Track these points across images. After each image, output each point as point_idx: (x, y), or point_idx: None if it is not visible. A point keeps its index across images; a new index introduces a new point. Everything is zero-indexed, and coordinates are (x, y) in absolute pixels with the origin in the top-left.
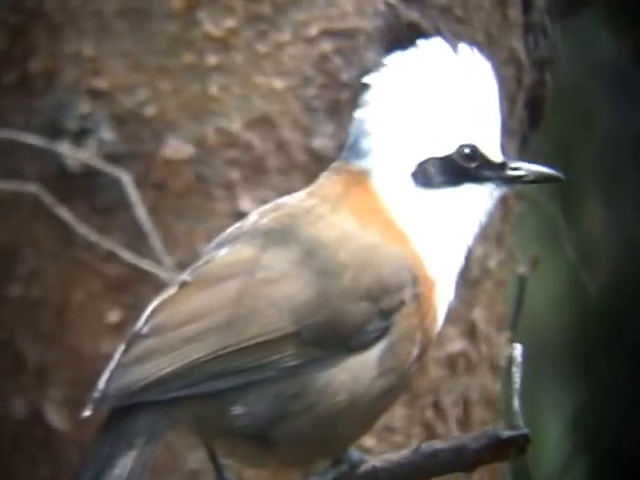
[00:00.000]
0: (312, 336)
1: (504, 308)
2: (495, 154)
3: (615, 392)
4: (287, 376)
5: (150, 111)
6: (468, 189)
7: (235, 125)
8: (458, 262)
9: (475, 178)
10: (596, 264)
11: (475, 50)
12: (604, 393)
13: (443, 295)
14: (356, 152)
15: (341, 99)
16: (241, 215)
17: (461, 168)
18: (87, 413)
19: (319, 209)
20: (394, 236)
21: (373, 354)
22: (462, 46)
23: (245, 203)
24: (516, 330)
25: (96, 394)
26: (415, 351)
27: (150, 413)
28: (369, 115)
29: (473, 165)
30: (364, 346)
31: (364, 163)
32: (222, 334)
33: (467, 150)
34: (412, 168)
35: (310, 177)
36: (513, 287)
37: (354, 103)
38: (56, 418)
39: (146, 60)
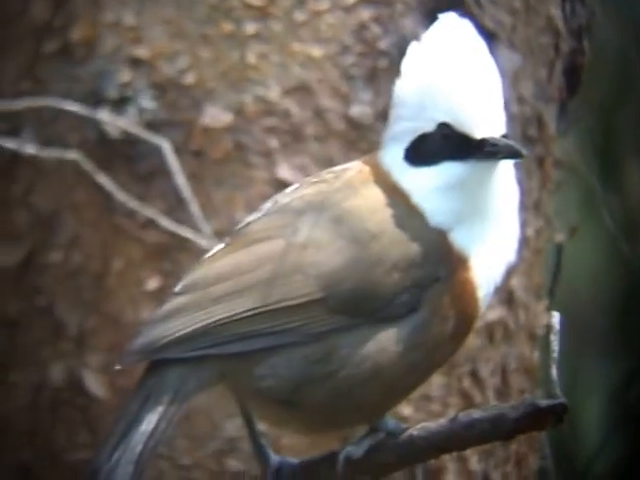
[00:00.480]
0: (339, 304)
1: (542, 276)
2: (475, 130)
3: None
4: (313, 341)
5: (190, 79)
6: (449, 165)
7: (273, 93)
8: (494, 237)
9: (452, 154)
10: (635, 232)
11: (471, 26)
12: None
13: (484, 275)
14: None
15: (379, 67)
16: (279, 182)
17: (439, 146)
18: (116, 369)
19: (352, 181)
20: (416, 213)
21: (402, 328)
22: (458, 22)
23: (283, 171)
24: (554, 298)
25: (125, 349)
26: (448, 330)
27: (177, 371)
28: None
29: (449, 142)
30: (393, 319)
31: (384, 139)
32: (249, 296)
33: (444, 128)
34: (406, 145)
35: (348, 144)
36: (551, 255)
37: (391, 71)
38: (95, 385)
39: (186, 28)
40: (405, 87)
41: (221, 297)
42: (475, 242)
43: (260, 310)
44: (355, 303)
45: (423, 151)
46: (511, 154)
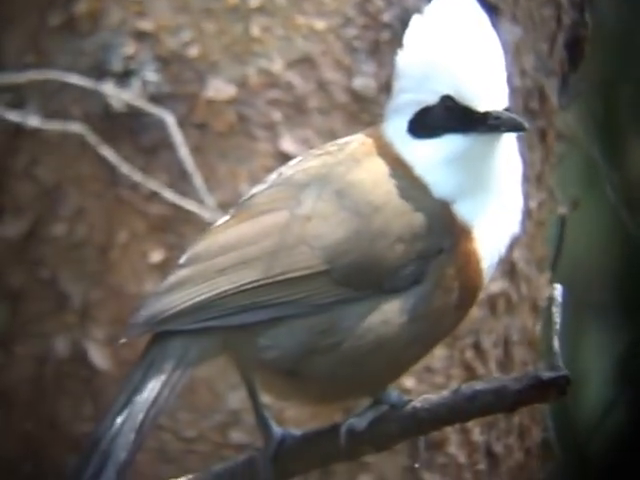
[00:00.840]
0: (343, 276)
1: (544, 249)
2: (478, 103)
3: None
4: (316, 313)
5: (193, 52)
6: (453, 138)
7: (277, 66)
8: (497, 208)
9: (455, 127)
10: (637, 204)
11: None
12: None
13: (488, 246)
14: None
15: (382, 39)
16: (283, 155)
17: (442, 119)
18: (121, 342)
19: (355, 154)
20: (420, 185)
21: (406, 299)
22: None
23: (286, 143)
24: (556, 271)
25: (130, 321)
26: (452, 301)
27: (180, 341)
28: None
29: (452, 115)
30: (397, 291)
31: (385, 111)
32: (253, 268)
33: (447, 100)
34: (409, 117)
35: (351, 117)
36: (554, 228)
37: (394, 43)
38: (98, 357)
39: (190, 2)
40: (408, 60)
41: (225, 269)
42: (478, 214)
43: (264, 282)
44: (359, 275)
45: (426, 123)
46: (514, 127)
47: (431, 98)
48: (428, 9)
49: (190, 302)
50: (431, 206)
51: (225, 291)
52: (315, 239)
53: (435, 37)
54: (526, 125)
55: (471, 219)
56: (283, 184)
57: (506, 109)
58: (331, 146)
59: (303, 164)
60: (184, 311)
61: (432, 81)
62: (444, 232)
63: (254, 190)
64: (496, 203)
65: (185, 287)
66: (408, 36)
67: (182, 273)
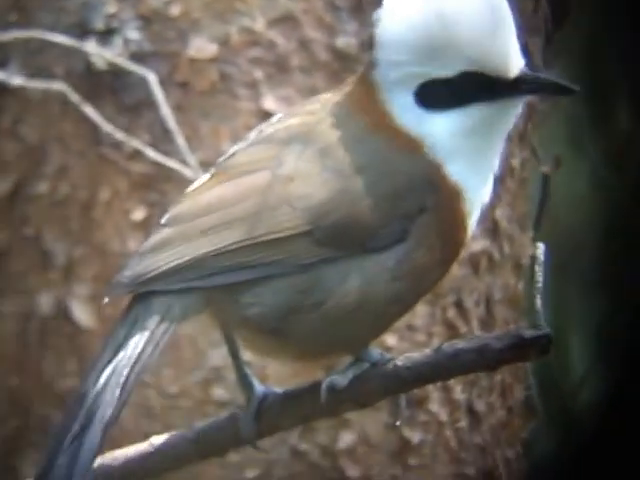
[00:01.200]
0: (326, 236)
1: (527, 207)
2: (507, 70)
3: None
4: (299, 272)
5: (175, 11)
6: (475, 108)
7: (259, 24)
8: (489, 169)
9: (481, 98)
10: (620, 163)
11: None
12: (630, 295)
13: (473, 203)
14: (372, 63)
15: None
16: (265, 114)
17: (464, 91)
18: (104, 301)
19: (337, 113)
20: (409, 145)
21: (388, 258)
22: None
23: (268, 102)
24: (539, 229)
25: (112, 281)
26: (435, 258)
27: (163, 298)
28: (382, 30)
29: (477, 88)
30: (380, 250)
31: (376, 75)
32: (235, 229)
33: (469, 75)
34: (414, 87)
35: (333, 76)
36: (536, 186)
37: (376, 1)
38: (82, 314)
39: None
40: (409, 33)
41: (207, 230)
42: (472, 175)
43: (247, 243)
44: (341, 235)
45: (437, 96)
46: (558, 91)
47: (444, 71)
48: None
49: (173, 263)
50: (415, 165)
51: (208, 252)
52: (297, 200)
53: (441, 8)
54: (575, 87)
55: (464, 180)
56: (264, 142)
57: (528, 68)
58: (312, 103)
59: (284, 122)
60: (167, 272)
61: (446, 54)
62: (428, 192)
63: (234, 148)
64: (488, 165)
65: (168, 248)
66: (404, 8)
67: (165, 234)
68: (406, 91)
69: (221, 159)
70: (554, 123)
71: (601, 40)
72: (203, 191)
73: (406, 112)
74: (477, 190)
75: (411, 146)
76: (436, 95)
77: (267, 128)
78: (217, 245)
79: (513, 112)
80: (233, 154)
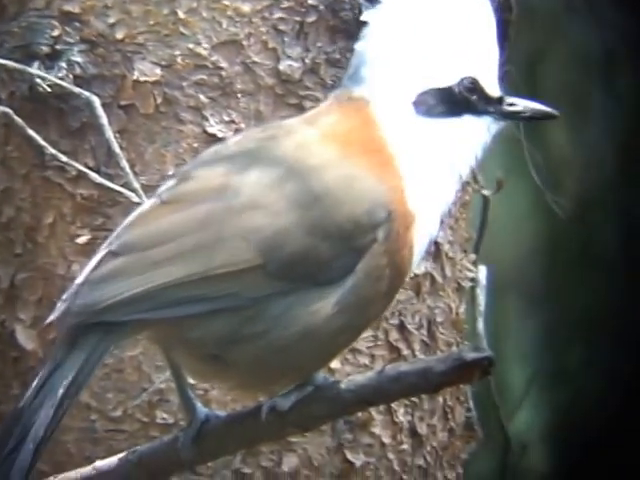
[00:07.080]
0: (278, 269)
1: (468, 230)
2: (493, 88)
3: (583, 314)
4: (247, 304)
5: (120, 34)
6: (468, 120)
7: (203, 48)
8: (448, 196)
9: (474, 110)
10: (562, 185)
11: None
12: (570, 316)
13: (424, 230)
14: (357, 80)
15: (307, 22)
16: (209, 137)
17: (462, 99)
18: (51, 321)
19: (304, 136)
20: (380, 169)
21: (335, 290)
22: None
23: (213, 125)
24: (480, 252)
25: (60, 306)
26: (381, 291)
27: (105, 324)
28: (369, 45)
29: (473, 97)
30: (328, 282)
31: (364, 91)
32: (188, 261)
33: (468, 82)
34: (413, 97)
35: (277, 99)
36: (478, 209)
37: (320, 25)
38: (25, 338)
39: None
40: (405, 44)
41: (160, 261)
42: (426, 200)
43: (200, 276)
44: (294, 269)
45: (435, 104)
46: (541, 115)
47: (441, 81)
48: None
49: (126, 294)
50: (376, 194)
51: (160, 284)
52: (251, 232)
53: (437, 21)
54: (556, 112)
55: (419, 205)
56: (221, 164)
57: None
58: (274, 129)
59: (244, 143)
60: (119, 303)
61: (443, 63)
62: (385, 220)
63: (186, 168)
64: (446, 194)
65: (120, 278)
66: (402, 19)
67: (116, 263)
68: (402, 101)
69: (170, 182)
70: (494, 146)
71: (538, 63)
72: (156, 217)
73: (398, 122)
74: (429, 217)
75: (385, 171)
76: (433, 103)
77: (225, 149)
78: (170, 277)
79: (486, 132)
80: (185, 178)
